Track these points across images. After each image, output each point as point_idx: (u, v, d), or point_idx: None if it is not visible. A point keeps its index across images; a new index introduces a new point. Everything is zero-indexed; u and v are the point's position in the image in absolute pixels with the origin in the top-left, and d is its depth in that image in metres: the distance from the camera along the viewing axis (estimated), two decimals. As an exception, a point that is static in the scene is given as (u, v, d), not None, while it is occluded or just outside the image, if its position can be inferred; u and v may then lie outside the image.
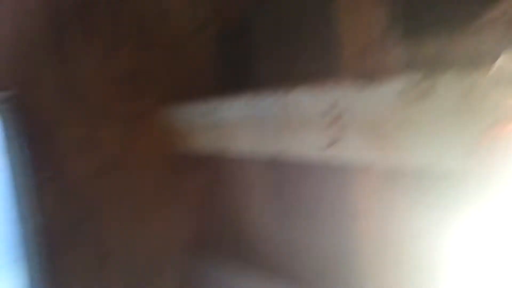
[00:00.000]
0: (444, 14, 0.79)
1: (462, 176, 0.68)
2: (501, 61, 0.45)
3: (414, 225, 0.81)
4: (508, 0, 0.63)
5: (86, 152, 1.24)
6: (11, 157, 1.17)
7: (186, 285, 1.40)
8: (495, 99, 0.54)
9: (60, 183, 1.20)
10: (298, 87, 0.90)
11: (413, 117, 0.69)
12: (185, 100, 1.25)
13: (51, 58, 1.21)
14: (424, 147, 0.69)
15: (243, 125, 1.07)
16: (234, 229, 1.33)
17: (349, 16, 0.92)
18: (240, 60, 1.26)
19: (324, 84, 0.83)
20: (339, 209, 0.95)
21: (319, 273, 1.08)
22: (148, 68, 1.33)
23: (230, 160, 1.26)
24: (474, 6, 0.71)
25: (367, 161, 0.79)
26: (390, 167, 0.81)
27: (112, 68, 1.28)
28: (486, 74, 0.56)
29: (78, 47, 1.24)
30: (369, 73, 0.86)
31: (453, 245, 0.77)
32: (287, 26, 1.13)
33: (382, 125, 0.75)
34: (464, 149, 0.61)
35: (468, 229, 0.73)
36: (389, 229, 0.85)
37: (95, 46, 1.26)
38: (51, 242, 1.20)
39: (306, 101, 0.88)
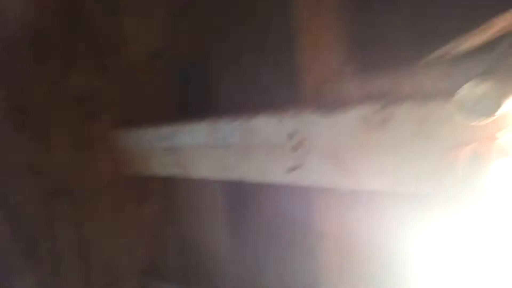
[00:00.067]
0: (395, 53, 0.88)
1: (424, 197, 0.75)
2: (459, 91, 0.52)
3: (379, 244, 0.86)
4: (451, 43, 0.71)
5: (36, 176, 1.19)
6: None
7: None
8: (451, 126, 0.61)
9: (8, 208, 1.14)
10: (260, 114, 0.93)
11: (373, 144, 0.75)
12: (142, 124, 1.24)
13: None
14: (384, 171, 0.74)
15: (203, 150, 1.08)
16: (192, 255, 1.31)
17: (308, 49, 0.98)
18: (200, 87, 1.28)
19: (286, 111, 0.88)
20: (302, 230, 0.99)
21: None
22: (103, 91, 1.31)
23: (188, 185, 1.25)
24: (422, 46, 0.79)
25: (330, 185, 0.84)
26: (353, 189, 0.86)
27: (65, 91, 1.25)
28: (439, 104, 0.64)
29: (29, 69, 1.21)
30: (329, 103, 0.92)
31: (419, 262, 0.82)
32: (248, 55, 1.18)
33: (343, 151, 0.80)
34: (422, 173, 0.67)
35: (432, 246, 0.80)
36: (354, 249, 0.89)
37: (47, 68, 1.23)
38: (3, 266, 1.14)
39: (268, 127, 0.91)
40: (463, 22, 0.65)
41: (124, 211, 1.36)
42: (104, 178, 1.32)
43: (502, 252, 0.67)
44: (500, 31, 0.58)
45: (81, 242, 1.30)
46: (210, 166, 1.05)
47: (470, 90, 0.49)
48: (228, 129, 1.00)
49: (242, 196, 1.17)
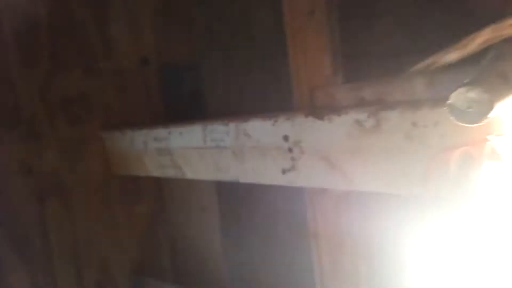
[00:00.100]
0: (385, 61, 0.90)
1: (416, 199, 0.77)
2: (452, 95, 0.54)
3: (373, 244, 0.88)
4: (437, 54, 0.72)
5: (28, 176, 1.20)
6: None
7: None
8: (441, 130, 0.63)
9: (0, 208, 1.15)
10: (255, 116, 0.95)
11: (365, 147, 0.77)
12: (133, 126, 1.25)
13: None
14: (376, 174, 0.76)
15: (198, 152, 1.09)
16: (184, 255, 1.32)
17: (298, 60, 0.99)
18: (191, 91, 1.29)
19: (279, 116, 0.89)
20: (297, 230, 1.00)
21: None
22: (93, 93, 1.33)
23: (180, 185, 1.26)
24: (412, 54, 0.82)
25: (324, 186, 0.86)
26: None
27: (56, 93, 1.26)
28: (430, 109, 0.66)
29: (19, 72, 1.21)
30: (322, 108, 0.93)
31: (412, 262, 0.85)
32: (239, 60, 1.19)
33: (336, 154, 0.82)
34: (414, 175, 0.69)
35: (425, 247, 0.82)
36: (348, 249, 0.91)
37: (37, 70, 1.24)
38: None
39: (263, 129, 0.93)
40: (449, 34, 0.67)
41: (116, 210, 1.37)
42: (96, 179, 1.33)
43: (494, 253, 0.69)
44: (483, 44, 0.60)
45: (74, 242, 1.31)
46: (206, 167, 1.06)
47: (463, 94, 0.51)
48: (224, 131, 1.01)
49: (236, 196, 1.19)
